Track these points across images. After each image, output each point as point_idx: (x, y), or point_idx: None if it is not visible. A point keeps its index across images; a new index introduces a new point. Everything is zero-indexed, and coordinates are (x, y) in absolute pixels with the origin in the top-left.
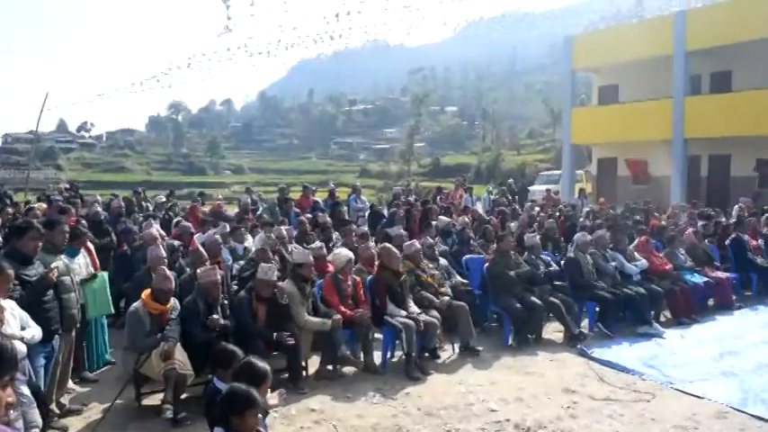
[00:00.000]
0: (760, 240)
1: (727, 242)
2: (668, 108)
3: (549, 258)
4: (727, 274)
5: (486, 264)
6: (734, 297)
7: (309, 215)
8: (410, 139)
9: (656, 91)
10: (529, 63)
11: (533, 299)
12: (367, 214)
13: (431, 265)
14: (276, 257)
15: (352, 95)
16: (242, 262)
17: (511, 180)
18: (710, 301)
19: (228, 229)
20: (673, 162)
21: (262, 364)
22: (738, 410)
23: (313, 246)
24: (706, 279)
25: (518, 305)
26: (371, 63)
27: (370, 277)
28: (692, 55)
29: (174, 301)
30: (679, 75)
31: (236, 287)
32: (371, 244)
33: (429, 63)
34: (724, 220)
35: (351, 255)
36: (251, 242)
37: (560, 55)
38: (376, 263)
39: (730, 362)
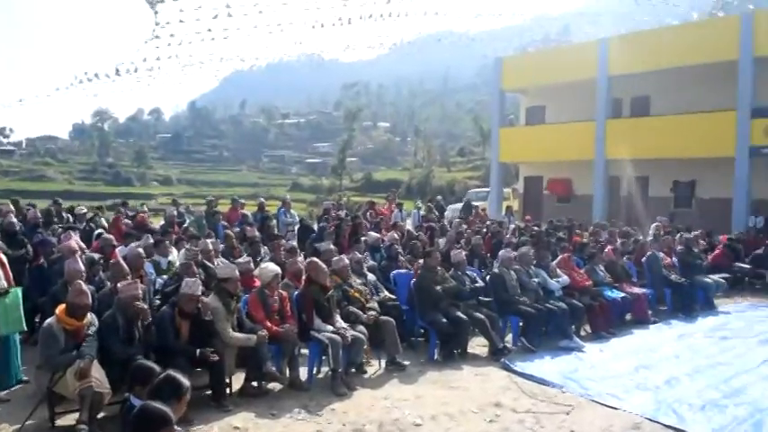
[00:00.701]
0: (674, 258)
1: (643, 259)
2: (591, 130)
3: (474, 274)
4: (644, 290)
5: (414, 279)
6: (649, 312)
7: (237, 229)
8: (342, 153)
9: (581, 113)
10: (461, 82)
11: (459, 314)
12: (296, 228)
13: (358, 281)
14: (200, 270)
15: (285, 108)
16: (165, 276)
17: (440, 197)
18: (628, 316)
19: (152, 242)
20: (595, 182)
21: (181, 378)
22: (652, 421)
23: (240, 260)
24: (624, 295)
25: (444, 320)
26: (305, 77)
27: (297, 292)
28: (614, 80)
29: (90, 317)
30: (602, 98)
31: (158, 302)
32: (300, 258)
33: (363, 79)
34: (641, 238)
35: (278, 269)
36: (176, 256)
37: (490, 76)
38: (303, 277)
39: (645, 374)
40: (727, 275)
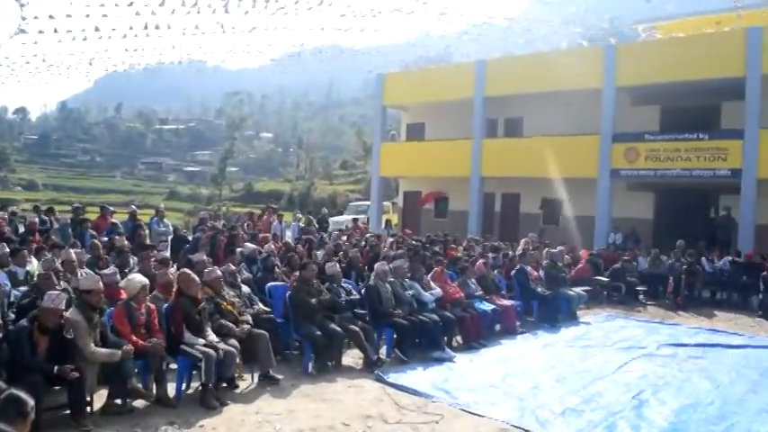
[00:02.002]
0: (541, 271)
1: (512, 273)
2: (468, 148)
3: (350, 286)
4: (512, 302)
5: (289, 291)
6: (517, 323)
7: (106, 238)
8: (223, 162)
9: (458, 131)
10: (345, 96)
11: (333, 326)
12: (170, 239)
13: (232, 293)
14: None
15: (163, 114)
16: (23, 288)
17: (325, 210)
18: (497, 327)
19: (8, 251)
20: (470, 198)
21: (25, 396)
22: (516, 427)
23: (105, 271)
24: (493, 306)
25: (318, 333)
26: (186, 82)
27: (166, 305)
28: (489, 101)
29: None
30: (478, 118)
31: (13, 315)
32: (172, 270)
33: (246, 87)
34: (511, 252)
35: (145, 280)
36: (35, 266)
37: (373, 91)
38: (174, 289)
39: (512, 382)
40: (588, 288)
